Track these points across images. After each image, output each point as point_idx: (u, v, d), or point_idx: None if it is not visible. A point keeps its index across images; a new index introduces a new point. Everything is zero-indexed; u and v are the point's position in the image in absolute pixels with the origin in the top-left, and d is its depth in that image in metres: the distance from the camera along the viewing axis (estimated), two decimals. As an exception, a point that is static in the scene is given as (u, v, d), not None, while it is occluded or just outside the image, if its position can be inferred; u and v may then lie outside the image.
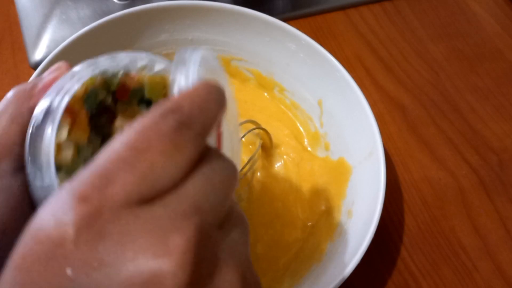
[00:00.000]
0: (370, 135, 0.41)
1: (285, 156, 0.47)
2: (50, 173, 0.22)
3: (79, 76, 0.24)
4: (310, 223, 0.43)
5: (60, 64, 0.25)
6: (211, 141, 0.22)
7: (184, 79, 0.22)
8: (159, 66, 0.26)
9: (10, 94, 0.24)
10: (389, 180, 0.48)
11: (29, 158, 0.22)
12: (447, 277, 0.44)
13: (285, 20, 0.46)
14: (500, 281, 0.44)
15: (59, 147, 0.23)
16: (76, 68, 0.25)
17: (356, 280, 0.42)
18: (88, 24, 0.43)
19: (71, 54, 0.43)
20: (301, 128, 0.49)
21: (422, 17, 0.61)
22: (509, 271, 0.45)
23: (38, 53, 0.53)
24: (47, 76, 0.25)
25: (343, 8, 0.61)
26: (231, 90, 0.26)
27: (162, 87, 0.25)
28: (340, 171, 0.44)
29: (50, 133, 0.22)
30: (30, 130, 0.23)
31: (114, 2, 0.57)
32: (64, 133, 0.23)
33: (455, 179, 0.49)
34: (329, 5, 0.60)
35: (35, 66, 0.52)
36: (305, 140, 0.48)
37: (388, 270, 0.44)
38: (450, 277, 0.44)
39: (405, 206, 0.48)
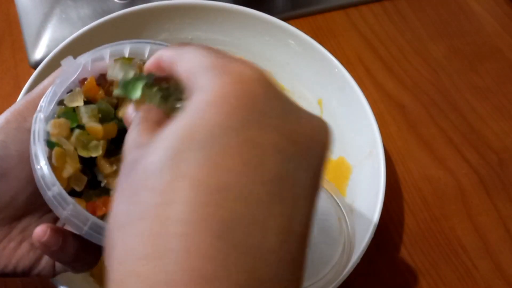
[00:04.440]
0: (370, 134, 0.41)
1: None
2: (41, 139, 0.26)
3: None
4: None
5: None
6: None
7: None
8: None
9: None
10: (389, 180, 0.48)
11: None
12: (447, 276, 0.44)
13: (285, 19, 0.46)
14: (499, 280, 0.44)
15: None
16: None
17: (356, 279, 0.42)
18: (88, 24, 0.43)
19: (71, 54, 0.43)
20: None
21: (422, 16, 0.61)
22: (508, 270, 0.45)
23: (38, 53, 0.53)
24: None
25: (343, 7, 0.61)
26: None
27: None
28: (340, 170, 0.44)
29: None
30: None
31: (114, 1, 0.57)
32: (80, 99, 0.28)
33: (455, 178, 0.49)
34: (329, 4, 0.60)
35: (35, 65, 0.52)
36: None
37: (388, 269, 0.44)
38: (450, 276, 0.44)
39: (405, 205, 0.48)
